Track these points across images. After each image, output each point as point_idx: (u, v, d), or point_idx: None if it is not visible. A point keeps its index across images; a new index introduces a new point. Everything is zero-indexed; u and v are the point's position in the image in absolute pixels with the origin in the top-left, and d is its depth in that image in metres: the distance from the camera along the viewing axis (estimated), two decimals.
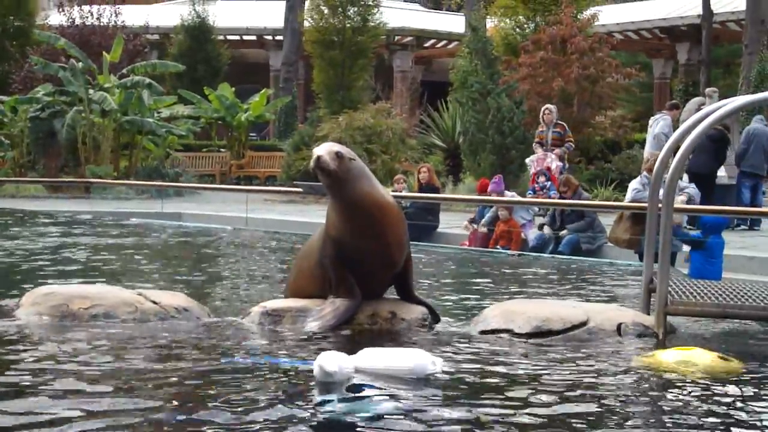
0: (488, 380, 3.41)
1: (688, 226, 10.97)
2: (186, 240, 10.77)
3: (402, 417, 2.88)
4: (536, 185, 14.11)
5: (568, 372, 3.56)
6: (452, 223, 14.09)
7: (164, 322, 4.38)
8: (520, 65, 20.04)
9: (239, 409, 2.93)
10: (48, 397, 3.00)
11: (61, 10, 28.29)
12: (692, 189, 11.08)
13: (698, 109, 10.56)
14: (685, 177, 12.40)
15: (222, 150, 27.46)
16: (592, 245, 11.70)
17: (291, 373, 3.42)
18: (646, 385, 3.45)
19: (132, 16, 28.90)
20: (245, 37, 32.02)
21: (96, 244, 9.34)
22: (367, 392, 3.16)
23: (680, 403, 3.18)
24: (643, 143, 17.48)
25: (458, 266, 8.57)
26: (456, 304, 5.61)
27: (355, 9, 24.86)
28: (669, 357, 3.80)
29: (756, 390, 3.41)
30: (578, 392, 3.25)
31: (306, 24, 25.64)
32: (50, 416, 2.79)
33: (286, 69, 29.33)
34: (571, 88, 19.34)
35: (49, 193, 20.49)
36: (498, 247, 11.95)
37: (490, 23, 23.42)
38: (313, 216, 13.95)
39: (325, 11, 24.78)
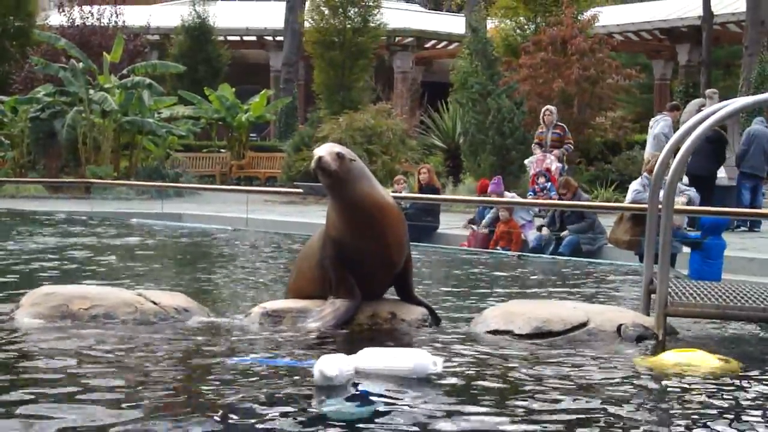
0: (488, 381, 3.41)
1: (689, 228, 10.98)
2: (186, 240, 10.77)
3: (402, 417, 2.88)
4: (536, 186, 14.11)
5: (568, 373, 3.56)
6: (452, 224, 14.09)
7: (164, 322, 4.38)
8: (521, 66, 20.04)
9: (239, 409, 2.93)
10: (47, 397, 3.00)
11: (61, 10, 28.28)
12: (692, 192, 11.09)
13: (698, 111, 10.56)
14: (686, 179, 12.41)
15: (222, 150, 27.46)
16: (592, 246, 11.71)
17: (291, 373, 3.41)
18: (646, 387, 3.45)
19: (132, 17, 28.90)
20: (245, 38, 32.03)
21: (96, 244, 9.35)
22: (367, 393, 3.15)
23: (680, 404, 3.18)
24: (643, 144, 17.48)
25: (458, 267, 8.56)
26: (456, 304, 5.61)
27: (356, 10, 24.87)
28: (669, 358, 3.80)
29: (756, 391, 3.41)
30: (578, 393, 3.25)
31: (306, 24, 25.64)
32: (50, 416, 2.79)
33: (286, 70, 29.33)
34: (572, 89, 19.34)
35: (50, 194, 20.49)
36: (498, 247, 11.96)
37: (491, 24, 23.42)
38: (314, 217, 13.95)
39: (326, 12, 24.79)
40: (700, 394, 3.32)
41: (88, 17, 27.69)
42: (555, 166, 14.60)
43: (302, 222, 14.40)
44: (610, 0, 28.71)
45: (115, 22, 27.98)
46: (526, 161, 15.76)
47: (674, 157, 4.65)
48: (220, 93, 26.31)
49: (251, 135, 28.90)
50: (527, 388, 3.32)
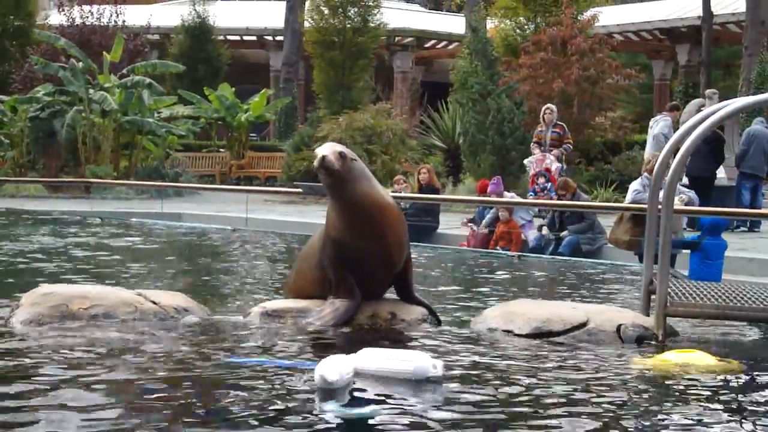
0: (488, 381, 3.41)
1: (688, 228, 10.99)
2: (186, 240, 10.77)
3: (402, 418, 2.88)
4: (536, 186, 14.11)
5: (567, 373, 3.56)
6: (452, 224, 14.09)
7: (164, 322, 4.38)
8: (521, 66, 20.05)
9: (238, 409, 2.93)
10: (47, 397, 3.00)
11: (61, 9, 28.28)
12: (691, 194, 11.09)
13: (698, 111, 10.56)
14: (685, 179, 12.41)
15: (222, 150, 27.47)
16: (591, 246, 11.71)
17: (291, 374, 3.41)
18: (646, 387, 3.45)
19: (132, 16, 28.91)
20: (245, 38, 32.03)
21: (96, 244, 9.34)
22: (367, 394, 3.15)
23: (680, 405, 3.18)
24: (643, 144, 17.49)
25: (458, 267, 8.56)
26: (455, 304, 5.61)
27: (356, 9, 24.87)
28: (668, 358, 3.80)
29: (756, 391, 3.41)
30: (578, 394, 3.25)
31: (306, 24, 25.65)
32: (50, 416, 2.79)
33: (286, 69, 29.34)
34: (571, 89, 19.35)
35: (49, 193, 20.50)
36: (498, 247, 11.96)
37: (491, 24, 23.43)
38: (313, 217, 13.95)
39: (326, 12, 24.79)
40: (700, 394, 3.32)
41: (87, 17, 27.69)
42: (555, 166, 14.60)
43: (302, 222, 14.40)
44: (610, 0, 28.71)
45: (115, 21, 27.98)
46: (525, 161, 15.76)
47: (674, 157, 4.65)
48: (219, 93, 26.32)
49: (251, 135, 28.90)
50: (527, 388, 3.31)
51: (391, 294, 4.73)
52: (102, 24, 27.71)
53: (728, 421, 2.99)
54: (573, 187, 12.56)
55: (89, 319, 4.28)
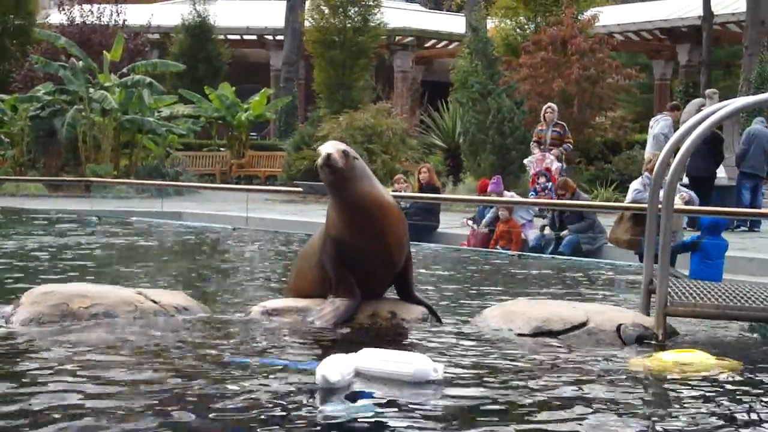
0: (488, 381, 3.41)
1: (688, 228, 10.99)
2: (186, 239, 10.77)
3: (402, 419, 2.88)
4: (537, 186, 14.11)
5: (567, 373, 3.56)
6: (452, 224, 14.10)
7: (164, 321, 4.38)
8: (521, 66, 20.06)
9: (238, 409, 2.93)
10: (47, 398, 3.00)
11: (61, 9, 28.29)
12: (691, 192, 11.09)
13: (698, 111, 10.56)
14: (685, 179, 12.41)
15: (222, 149, 27.48)
16: (592, 246, 11.71)
17: (290, 374, 3.41)
18: (646, 387, 3.45)
19: (133, 16, 28.91)
20: (246, 37, 32.04)
21: (96, 243, 9.34)
22: (367, 396, 3.15)
23: (679, 405, 3.18)
24: (643, 144, 17.50)
25: (458, 266, 8.56)
26: (456, 304, 5.61)
27: (356, 9, 24.88)
28: (668, 358, 3.80)
29: (755, 391, 3.41)
30: (578, 393, 3.25)
31: (307, 24, 25.66)
32: (50, 416, 2.79)
33: (286, 69, 29.35)
34: (572, 89, 19.35)
35: (50, 192, 20.51)
36: (498, 247, 11.96)
37: (491, 24, 23.44)
38: (314, 216, 13.96)
39: (326, 11, 24.80)
40: (699, 394, 3.32)
41: (88, 16, 27.70)
42: (555, 165, 14.61)
43: (302, 221, 14.40)
44: (610, 0, 28.71)
45: (116, 21, 27.99)
46: (525, 161, 15.76)
47: (674, 156, 4.65)
48: (220, 92, 26.32)
49: (251, 134, 28.92)
50: (526, 388, 3.31)
51: (391, 293, 4.73)
52: (102, 23, 27.72)
53: (728, 421, 2.99)
54: (573, 187, 12.56)
55: (89, 318, 4.28)
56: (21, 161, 22.58)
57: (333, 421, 2.87)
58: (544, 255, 10.75)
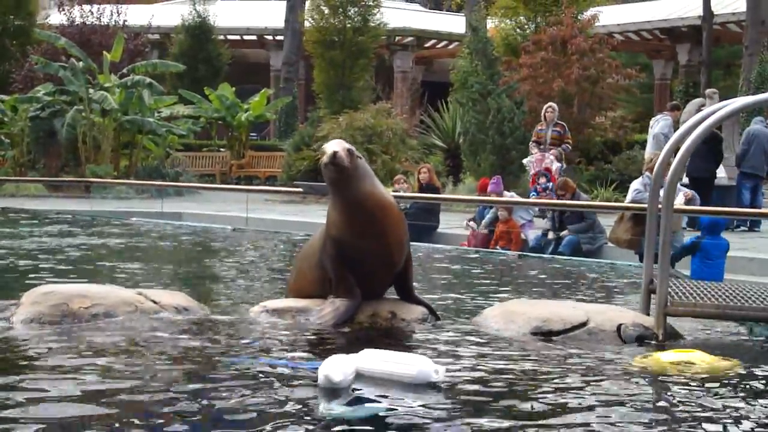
0: (488, 381, 3.41)
1: (688, 228, 10.98)
2: (186, 240, 10.77)
3: (404, 419, 2.88)
4: (538, 186, 14.11)
5: (567, 373, 3.56)
6: (452, 224, 14.09)
7: (164, 321, 4.38)
8: (521, 66, 20.06)
9: (238, 409, 2.93)
10: (47, 396, 3.00)
11: (61, 9, 28.29)
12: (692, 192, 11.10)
13: (698, 111, 10.56)
14: (686, 179, 12.41)
15: (222, 150, 27.48)
16: (592, 246, 11.71)
17: (291, 374, 3.41)
18: (645, 387, 3.45)
19: (133, 16, 28.92)
20: (246, 37, 32.05)
21: (96, 243, 9.35)
22: (369, 397, 3.15)
23: (679, 405, 3.18)
24: (643, 144, 17.50)
25: (458, 267, 8.56)
26: (456, 304, 5.61)
27: (356, 9, 24.88)
28: (668, 358, 3.80)
29: (755, 391, 3.41)
30: (578, 393, 3.25)
31: (306, 24, 25.66)
32: (50, 415, 2.79)
33: (286, 69, 29.34)
34: (572, 89, 19.35)
35: (50, 193, 20.50)
36: (498, 247, 11.95)
37: (491, 24, 23.43)
38: (314, 216, 13.96)
39: (326, 11, 24.80)
40: (699, 393, 3.31)
41: (88, 16, 27.70)
42: (555, 166, 14.61)
43: (302, 221, 14.40)
44: (610, 0, 28.72)
45: (116, 21, 27.99)
46: (524, 161, 15.76)
47: (674, 156, 4.65)
48: (220, 92, 26.32)
49: (251, 134, 28.92)
50: (527, 387, 3.32)
51: (391, 294, 4.73)
52: (102, 23, 27.72)
53: (727, 421, 2.99)
54: (572, 187, 12.55)
55: (89, 319, 4.28)
56: (21, 162, 22.58)
57: (335, 422, 2.87)
58: (544, 255, 10.75)
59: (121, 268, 7.14)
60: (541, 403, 3.11)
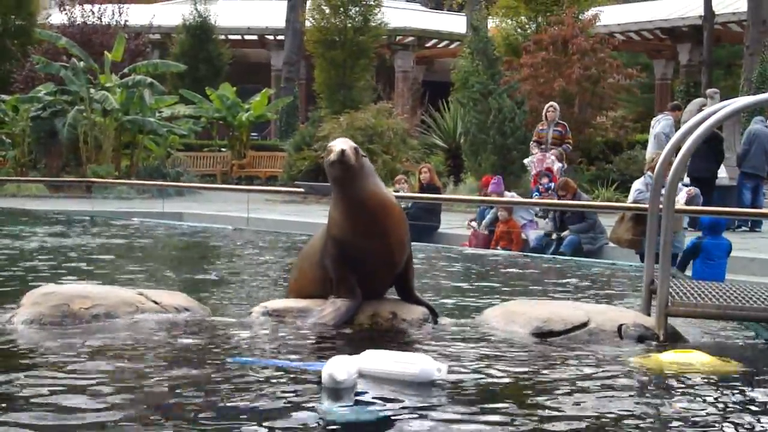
0: (489, 381, 3.42)
1: (689, 228, 10.98)
2: (187, 240, 10.77)
3: (406, 420, 2.88)
4: (540, 186, 14.10)
5: (568, 373, 3.56)
6: (453, 224, 14.09)
7: (165, 322, 4.38)
8: (522, 65, 20.05)
9: (239, 410, 2.93)
10: (48, 396, 3.00)
11: (62, 9, 28.30)
12: (696, 190, 11.09)
13: (699, 110, 10.56)
14: (686, 180, 12.41)
15: (223, 150, 27.48)
16: (593, 246, 11.71)
17: (292, 374, 3.41)
18: (646, 387, 3.45)
19: (134, 16, 28.92)
20: (247, 37, 32.04)
21: (97, 243, 9.35)
22: (372, 396, 3.15)
23: (679, 405, 3.18)
24: (644, 144, 17.49)
25: (459, 267, 8.56)
26: (456, 304, 5.61)
27: (357, 9, 24.88)
28: (668, 358, 3.80)
29: (755, 391, 3.40)
30: (579, 393, 3.25)
31: (307, 24, 25.67)
32: (51, 416, 2.79)
33: (287, 69, 29.34)
34: (573, 89, 19.34)
35: (51, 193, 20.50)
36: (498, 247, 11.95)
37: (492, 23, 23.43)
38: (314, 216, 13.96)
39: (327, 11, 24.80)
40: (699, 394, 3.31)
41: (89, 16, 27.70)
42: (556, 166, 14.61)
43: (303, 221, 14.40)
44: (611, 0, 28.71)
45: (117, 21, 27.99)
46: (525, 161, 15.76)
47: (675, 156, 4.65)
48: (221, 92, 26.31)
49: (252, 134, 28.91)
50: (528, 388, 3.32)
51: (391, 294, 4.72)
52: (103, 23, 27.72)
53: (726, 421, 2.99)
54: (573, 188, 12.55)
55: (90, 319, 4.28)
56: (22, 162, 22.59)
57: (338, 421, 2.87)
58: (545, 255, 10.75)
59: (121, 269, 7.14)
60: (541, 403, 3.11)
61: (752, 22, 21.51)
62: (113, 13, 28.11)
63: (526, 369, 3.62)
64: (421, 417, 2.91)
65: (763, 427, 2.95)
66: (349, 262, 4.44)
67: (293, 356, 3.73)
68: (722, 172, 14.39)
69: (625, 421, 2.93)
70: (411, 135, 22.49)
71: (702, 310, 4.38)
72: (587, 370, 3.62)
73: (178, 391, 3.14)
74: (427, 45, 31.75)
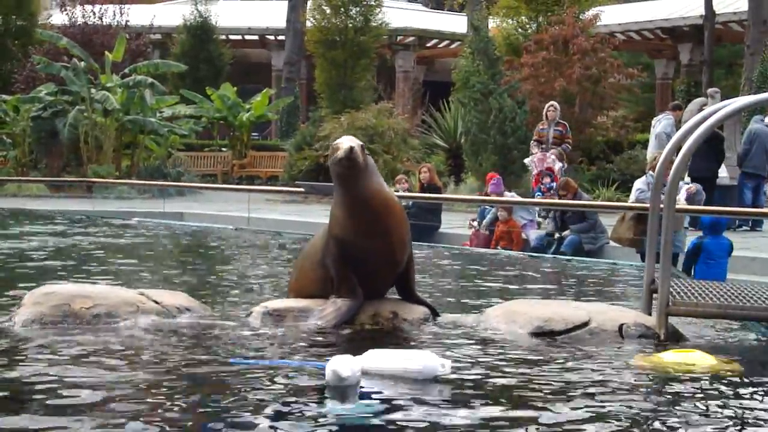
0: (490, 381, 3.42)
1: (690, 228, 10.97)
2: (188, 240, 10.78)
3: (409, 418, 2.88)
4: (542, 186, 14.10)
5: (569, 373, 3.56)
6: (454, 224, 14.09)
7: (166, 321, 4.38)
8: (522, 65, 20.05)
9: (241, 410, 2.93)
10: (49, 397, 3.00)
11: (63, 9, 28.31)
12: (699, 187, 11.08)
13: (700, 110, 10.55)
14: (687, 179, 12.40)
15: (224, 150, 27.48)
16: (593, 246, 11.70)
17: (293, 374, 3.41)
18: (646, 386, 3.45)
19: (135, 16, 28.93)
20: (247, 37, 32.05)
21: (98, 243, 9.35)
22: (376, 393, 3.15)
23: (680, 405, 3.18)
24: (644, 144, 17.49)
25: (459, 266, 8.56)
26: (457, 304, 5.61)
27: (358, 9, 24.90)
28: (669, 358, 3.80)
29: (755, 391, 3.40)
30: (579, 393, 3.25)
31: (308, 24, 25.68)
32: (51, 416, 2.79)
33: (288, 69, 29.34)
34: (573, 89, 19.34)
35: (51, 193, 20.51)
36: (498, 247, 11.95)
37: (493, 23, 23.43)
38: (315, 216, 13.96)
39: (328, 11, 24.81)
40: (699, 394, 3.31)
41: (90, 16, 27.71)
42: (557, 165, 14.60)
43: (304, 221, 14.40)
44: None
45: (117, 21, 28.00)
46: (526, 160, 15.76)
47: (676, 155, 4.65)
48: (221, 92, 26.31)
49: (253, 134, 28.91)
50: (529, 387, 3.32)
51: (392, 294, 4.72)
52: (104, 24, 27.73)
53: (727, 421, 2.99)
54: (574, 188, 12.54)
55: (91, 319, 4.28)
56: (23, 162, 22.60)
57: (342, 419, 2.87)
58: (545, 255, 10.75)
59: (122, 269, 7.15)
60: (542, 402, 3.11)
61: (753, 21, 21.50)
62: (114, 14, 28.13)
63: (527, 368, 3.62)
64: (423, 415, 2.91)
65: (763, 427, 2.95)
66: (351, 262, 4.44)
67: (294, 356, 3.73)
68: (723, 172, 14.38)
69: (626, 421, 2.93)
70: (412, 135, 22.49)
71: (703, 310, 4.38)
72: (588, 370, 3.62)
73: (179, 390, 3.14)
74: (428, 45, 31.75)
